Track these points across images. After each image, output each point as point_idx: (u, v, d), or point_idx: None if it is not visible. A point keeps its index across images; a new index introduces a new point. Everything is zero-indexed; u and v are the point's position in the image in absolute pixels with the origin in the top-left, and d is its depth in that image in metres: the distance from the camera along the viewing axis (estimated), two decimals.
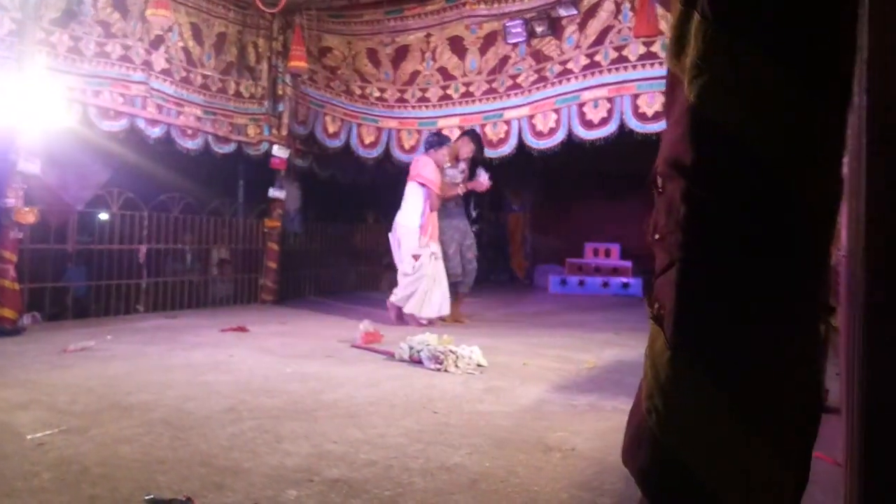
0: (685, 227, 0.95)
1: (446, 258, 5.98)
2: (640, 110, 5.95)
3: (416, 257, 5.85)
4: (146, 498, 1.91)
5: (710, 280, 0.94)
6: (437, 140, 6.15)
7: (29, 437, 2.48)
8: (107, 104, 5.91)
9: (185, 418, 2.79)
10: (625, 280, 9.68)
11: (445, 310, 5.90)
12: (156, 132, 6.36)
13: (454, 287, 6.03)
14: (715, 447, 0.93)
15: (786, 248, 0.91)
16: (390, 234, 6.14)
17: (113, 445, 2.41)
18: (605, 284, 9.72)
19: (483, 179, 6.10)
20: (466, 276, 6.14)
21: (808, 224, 0.92)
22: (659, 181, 1.02)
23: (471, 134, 6.35)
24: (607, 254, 10.26)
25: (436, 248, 5.92)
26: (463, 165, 6.22)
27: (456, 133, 6.80)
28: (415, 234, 5.87)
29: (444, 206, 6.07)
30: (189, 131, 6.72)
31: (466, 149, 6.19)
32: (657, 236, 1.02)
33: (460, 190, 6.11)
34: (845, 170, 1.09)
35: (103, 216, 6.52)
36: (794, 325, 0.93)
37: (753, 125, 0.90)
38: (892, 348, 0.88)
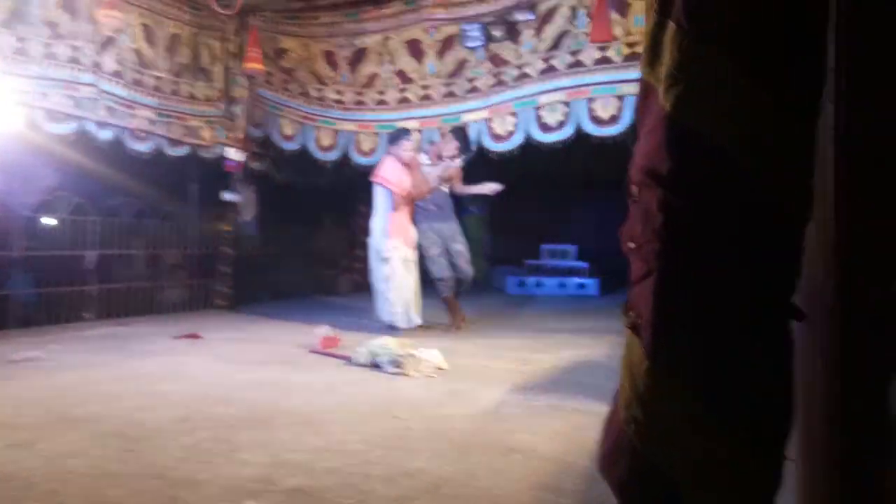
0: (663, 235, 0.95)
1: (430, 261, 5.73)
2: (596, 114, 6.03)
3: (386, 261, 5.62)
4: None
5: (688, 289, 0.94)
6: (395, 135, 5.97)
7: None
8: (55, 107, 5.71)
9: (137, 430, 2.71)
10: (581, 281, 9.80)
11: (417, 319, 5.67)
12: (106, 135, 6.17)
13: (448, 289, 5.77)
14: (695, 457, 0.93)
15: (763, 256, 0.92)
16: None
17: (61, 459, 2.32)
18: (562, 285, 9.83)
19: (491, 186, 6.03)
20: (460, 275, 5.80)
21: (784, 232, 0.93)
22: (634, 190, 1.02)
23: (455, 131, 6.12)
24: (564, 255, 10.38)
25: (408, 252, 5.65)
26: (450, 164, 5.90)
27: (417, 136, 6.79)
28: (380, 237, 5.66)
29: (422, 208, 5.79)
30: (141, 134, 6.55)
31: (449, 146, 5.94)
32: (633, 245, 1.02)
33: (435, 185, 5.75)
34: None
35: (51, 221, 6.30)
36: (771, 333, 0.94)
37: (729, 134, 0.91)
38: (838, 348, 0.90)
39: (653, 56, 1.01)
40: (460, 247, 5.83)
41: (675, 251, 0.95)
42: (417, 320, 5.68)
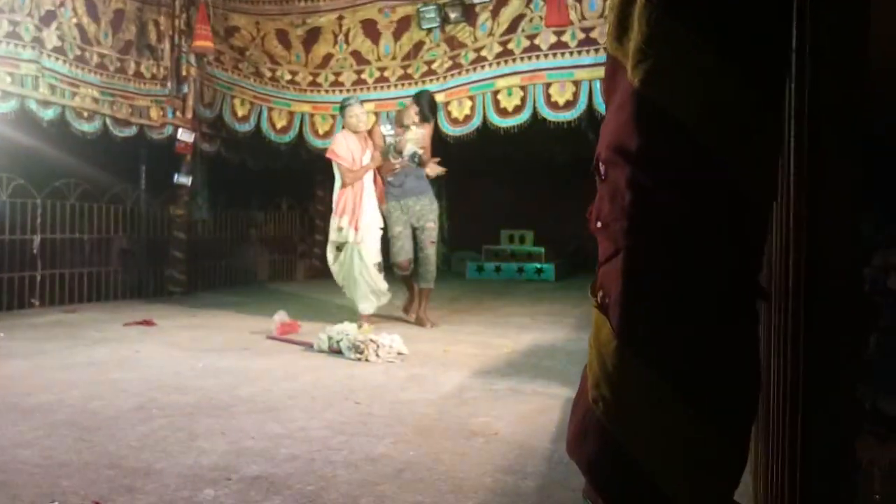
0: (630, 213, 0.95)
1: (390, 241, 5.20)
2: (552, 99, 6.07)
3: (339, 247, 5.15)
4: None
5: (655, 268, 0.94)
6: (342, 104, 5.42)
7: None
8: None
9: (91, 419, 2.64)
10: (539, 265, 9.90)
11: (369, 309, 5.14)
12: (49, 114, 5.93)
13: (402, 272, 5.27)
14: (662, 435, 0.94)
15: (728, 235, 0.93)
16: None
17: (12, 450, 2.25)
18: (521, 270, 9.91)
19: (434, 167, 5.33)
20: (421, 266, 5.23)
21: (749, 211, 0.94)
22: (602, 168, 1.01)
23: (417, 96, 5.48)
24: (522, 240, 10.45)
25: (351, 233, 5.05)
26: (418, 130, 5.26)
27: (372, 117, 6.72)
28: (333, 218, 5.19)
29: (391, 183, 5.23)
30: (85, 113, 6.31)
31: (410, 112, 5.33)
32: (600, 224, 1.01)
33: (398, 165, 5.20)
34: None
35: None
36: (735, 311, 0.95)
37: (696, 111, 0.91)
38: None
39: (620, 30, 1.00)
40: (430, 224, 5.25)
41: (643, 229, 0.95)
42: (379, 301, 5.19)
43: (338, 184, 5.19)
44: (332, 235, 5.20)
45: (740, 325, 0.96)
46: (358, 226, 5.07)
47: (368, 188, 5.18)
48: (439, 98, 6.62)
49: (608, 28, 1.04)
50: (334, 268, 5.22)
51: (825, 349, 0.89)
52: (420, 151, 5.23)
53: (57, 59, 5.97)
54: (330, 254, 5.24)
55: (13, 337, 4.47)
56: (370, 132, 5.35)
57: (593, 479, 1.02)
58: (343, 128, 5.42)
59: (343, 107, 5.38)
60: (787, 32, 0.93)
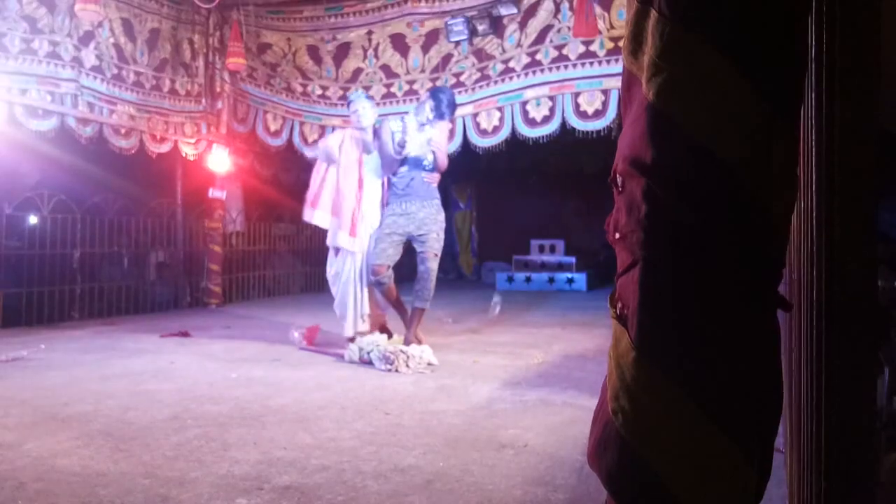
0: (647, 225, 0.95)
1: (375, 241, 4.60)
2: (581, 108, 6.05)
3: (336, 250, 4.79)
4: None
5: (673, 279, 0.94)
6: (348, 99, 5.15)
7: None
8: (34, 102, 5.64)
9: (127, 429, 2.69)
10: (569, 275, 9.83)
11: (360, 325, 4.65)
12: (87, 131, 6.10)
13: (378, 279, 4.53)
14: (681, 449, 0.94)
15: (746, 246, 0.93)
16: None
17: (50, 459, 2.31)
18: (551, 280, 9.86)
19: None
20: (418, 283, 4.53)
21: (765, 223, 0.93)
22: (619, 180, 1.02)
23: (434, 91, 4.89)
24: (552, 250, 10.41)
25: (344, 237, 4.67)
26: (427, 134, 4.60)
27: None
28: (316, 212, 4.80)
29: (393, 184, 4.63)
30: (122, 130, 6.48)
31: (425, 107, 4.69)
32: (618, 235, 1.02)
33: (398, 151, 4.57)
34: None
35: (33, 219, 6.23)
36: (757, 323, 0.95)
37: (711, 124, 0.91)
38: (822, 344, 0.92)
39: (636, 45, 1.01)
40: (433, 235, 4.53)
41: (660, 241, 0.95)
42: (357, 326, 4.65)
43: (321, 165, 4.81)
44: (330, 243, 4.81)
45: (760, 336, 0.95)
46: (356, 231, 4.63)
47: (370, 190, 4.74)
48: (468, 110, 6.65)
49: (623, 42, 1.04)
50: (330, 274, 4.84)
51: (844, 356, 0.89)
52: (420, 146, 4.57)
53: (95, 77, 6.15)
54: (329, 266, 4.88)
55: (53, 349, 4.58)
56: (377, 129, 4.79)
57: (613, 490, 1.01)
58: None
59: (349, 101, 5.00)
60: (801, 44, 0.93)
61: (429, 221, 4.53)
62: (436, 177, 4.65)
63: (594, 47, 6.01)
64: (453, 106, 4.96)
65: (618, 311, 1.01)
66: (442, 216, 4.65)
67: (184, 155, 7.35)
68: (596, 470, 1.05)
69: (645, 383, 0.95)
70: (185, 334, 5.25)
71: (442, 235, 4.63)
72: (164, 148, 7.05)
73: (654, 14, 0.95)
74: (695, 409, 0.92)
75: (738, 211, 0.91)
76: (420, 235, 4.52)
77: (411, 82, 7.02)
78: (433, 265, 4.52)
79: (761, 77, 0.90)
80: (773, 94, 0.91)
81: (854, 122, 0.87)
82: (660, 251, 0.95)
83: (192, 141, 7.29)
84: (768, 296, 0.95)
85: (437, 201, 4.66)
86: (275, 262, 8.88)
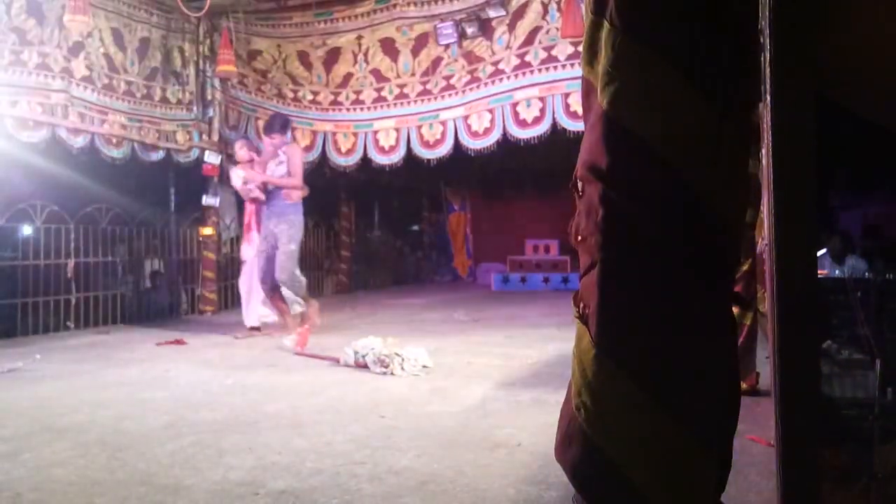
0: (603, 228, 0.98)
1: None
2: (572, 109, 6.08)
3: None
4: None
5: (627, 279, 0.98)
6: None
7: None
8: (25, 114, 5.64)
9: (122, 437, 2.70)
10: (564, 275, 9.86)
11: (251, 321, 5.84)
12: (79, 142, 6.11)
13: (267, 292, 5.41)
14: (640, 442, 0.97)
15: (697, 246, 0.96)
16: None
17: (47, 469, 2.32)
18: (546, 280, 9.90)
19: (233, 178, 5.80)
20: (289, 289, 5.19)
21: (715, 222, 0.96)
22: (579, 185, 1.05)
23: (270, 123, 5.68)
24: (547, 250, 10.45)
25: (245, 248, 5.92)
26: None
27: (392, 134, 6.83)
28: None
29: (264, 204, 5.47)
30: (114, 140, 6.49)
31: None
32: (580, 238, 1.05)
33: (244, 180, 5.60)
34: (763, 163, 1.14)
35: (27, 230, 6.23)
36: (707, 320, 0.97)
37: (662, 131, 0.94)
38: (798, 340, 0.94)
39: (591, 55, 1.04)
40: (281, 249, 5.14)
41: (616, 243, 0.99)
42: (248, 322, 5.85)
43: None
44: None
45: (713, 331, 0.97)
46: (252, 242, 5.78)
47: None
48: (458, 112, 6.68)
49: (582, 53, 1.08)
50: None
51: (788, 347, 0.92)
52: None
53: (86, 87, 6.16)
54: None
55: (49, 359, 4.59)
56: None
57: (577, 483, 1.04)
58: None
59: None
60: (748, 51, 0.96)
61: (280, 234, 5.20)
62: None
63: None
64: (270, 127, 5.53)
65: (580, 311, 1.05)
66: (295, 231, 5.26)
67: (175, 163, 7.36)
68: (562, 464, 1.08)
69: (604, 379, 0.99)
70: (180, 342, 5.26)
71: (291, 248, 5.19)
72: (157, 156, 7.06)
73: (606, 25, 0.98)
74: (651, 403, 0.95)
75: (689, 212, 0.94)
76: (275, 247, 5.21)
77: (402, 86, 7.04)
78: (282, 276, 5.15)
79: (709, 85, 0.93)
80: (720, 100, 0.94)
81: (789, 126, 0.90)
82: (616, 252, 0.98)
83: (184, 148, 7.30)
84: (721, 292, 0.98)
85: (291, 217, 5.27)
86: None
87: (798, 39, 0.89)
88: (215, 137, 7.41)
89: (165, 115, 7.11)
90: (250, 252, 5.74)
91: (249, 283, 5.79)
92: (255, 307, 5.84)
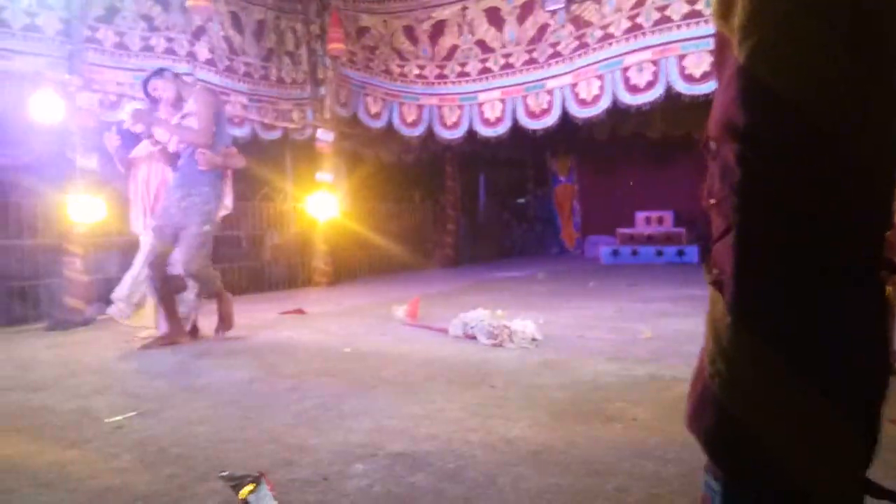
0: (741, 190, 0.94)
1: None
2: (687, 72, 5.79)
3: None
4: (221, 475, 2.00)
5: (768, 243, 0.93)
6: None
7: (107, 420, 2.60)
8: None
9: (252, 398, 2.89)
10: (679, 248, 9.50)
11: (125, 310, 4.41)
12: None
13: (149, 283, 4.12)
14: (779, 411, 0.93)
15: (843, 210, 0.90)
16: None
17: (186, 426, 2.52)
18: (659, 253, 9.57)
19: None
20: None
21: (864, 185, 0.89)
22: (712, 145, 1.01)
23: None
24: (660, 221, 10.09)
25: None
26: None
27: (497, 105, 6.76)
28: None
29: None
30: (236, 119, 6.85)
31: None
32: (713, 201, 1.01)
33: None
34: None
35: None
36: (854, 288, 0.92)
37: (804, 86, 0.88)
38: None
39: (725, 7, 0.99)
40: (189, 231, 3.99)
41: (754, 206, 0.94)
42: (123, 311, 4.45)
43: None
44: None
45: (860, 298, 0.91)
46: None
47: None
48: (566, 80, 6.53)
49: (713, 5, 1.02)
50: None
51: None
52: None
53: (209, 70, 6.52)
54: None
55: None
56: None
57: (711, 451, 1.02)
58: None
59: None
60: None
61: (185, 209, 4.05)
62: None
63: (699, 6, 5.72)
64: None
65: (714, 277, 1.01)
66: (209, 208, 4.12)
67: (292, 141, 7.67)
68: (694, 433, 1.05)
69: (741, 347, 0.95)
70: (301, 311, 5.53)
71: (201, 228, 4.07)
72: (275, 135, 7.39)
73: None
74: (793, 374, 0.91)
75: (834, 173, 0.88)
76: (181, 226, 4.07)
77: (507, 56, 6.96)
78: (186, 266, 4.06)
79: (854, 37, 0.86)
80: (867, 53, 0.86)
81: None
82: (754, 216, 0.94)
83: (299, 127, 7.59)
84: (869, 260, 0.91)
85: (202, 188, 4.08)
86: (379, 241, 9.16)
87: None
88: (328, 115, 7.65)
89: (281, 94, 7.41)
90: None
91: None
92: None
